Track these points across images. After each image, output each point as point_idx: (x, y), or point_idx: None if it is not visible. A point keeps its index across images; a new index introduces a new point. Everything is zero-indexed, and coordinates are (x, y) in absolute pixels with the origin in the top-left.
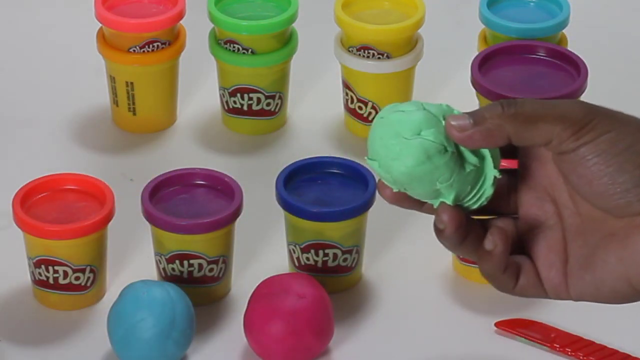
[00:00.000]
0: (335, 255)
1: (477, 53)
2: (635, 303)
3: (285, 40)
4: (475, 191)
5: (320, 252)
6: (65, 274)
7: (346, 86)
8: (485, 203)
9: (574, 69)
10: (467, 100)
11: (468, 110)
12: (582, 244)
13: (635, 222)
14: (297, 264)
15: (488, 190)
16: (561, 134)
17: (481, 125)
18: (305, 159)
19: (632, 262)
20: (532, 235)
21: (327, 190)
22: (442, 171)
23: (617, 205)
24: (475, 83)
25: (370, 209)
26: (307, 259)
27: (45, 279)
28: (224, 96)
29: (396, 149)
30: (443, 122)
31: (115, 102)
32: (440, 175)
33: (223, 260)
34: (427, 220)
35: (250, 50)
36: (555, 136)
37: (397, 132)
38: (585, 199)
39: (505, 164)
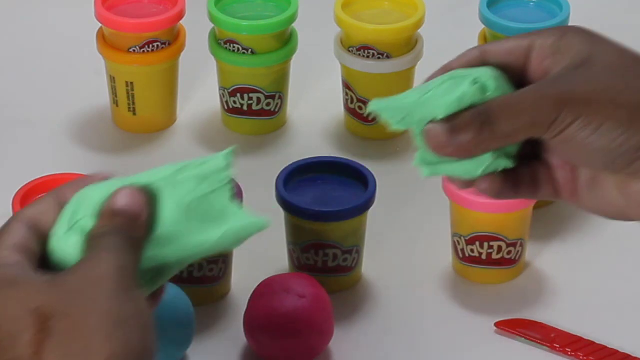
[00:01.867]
0: (335, 255)
1: None
2: (635, 304)
3: (285, 40)
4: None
5: (320, 252)
6: None
7: (346, 86)
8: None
9: None
10: None
11: None
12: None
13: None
14: (297, 264)
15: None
16: (539, 131)
17: (459, 146)
18: (305, 159)
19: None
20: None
21: (327, 190)
22: None
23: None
24: None
25: (370, 209)
26: (307, 259)
27: None
28: (224, 96)
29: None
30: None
31: (115, 102)
32: None
33: (223, 260)
34: (427, 220)
35: (250, 50)
36: (535, 134)
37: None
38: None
39: None
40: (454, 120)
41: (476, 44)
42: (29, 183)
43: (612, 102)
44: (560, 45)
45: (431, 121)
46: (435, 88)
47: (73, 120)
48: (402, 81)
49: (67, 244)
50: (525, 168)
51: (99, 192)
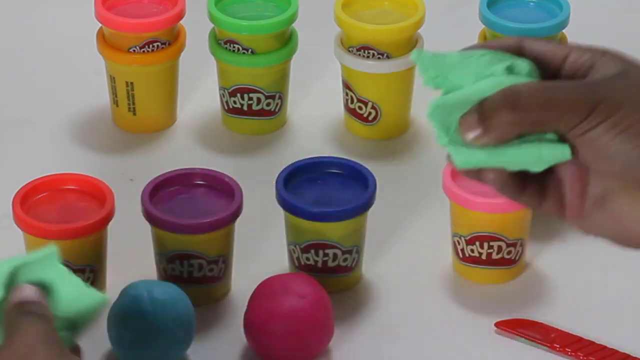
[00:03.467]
0: (335, 255)
1: None
2: (635, 304)
3: (285, 40)
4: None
5: (320, 252)
6: None
7: (346, 86)
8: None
9: None
10: None
11: None
12: (599, 184)
13: None
14: (297, 264)
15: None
16: (567, 125)
17: (491, 133)
18: (305, 159)
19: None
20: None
21: (327, 190)
22: None
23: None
24: None
25: (370, 209)
26: (307, 259)
27: None
28: (224, 96)
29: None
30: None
31: (115, 102)
32: None
33: (223, 260)
34: (427, 220)
35: (250, 50)
36: (561, 127)
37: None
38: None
39: None
40: (484, 103)
41: None
42: (29, 183)
43: None
44: (596, 61)
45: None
46: (476, 57)
47: (73, 120)
48: (402, 81)
49: None
50: (535, 175)
51: None
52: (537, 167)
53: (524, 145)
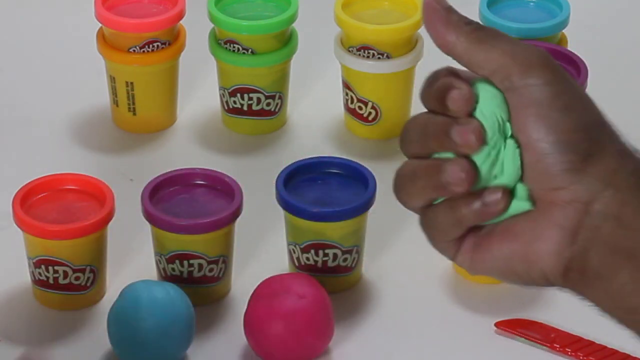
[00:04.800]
0: (335, 255)
1: None
2: None
3: (285, 40)
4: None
5: (320, 252)
6: (65, 274)
7: (346, 86)
8: None
9: (574, 69)
10: None
11: None
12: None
13: (549, 198)
14: (297, 264)
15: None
16: (508, 69)
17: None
18: (305, 159)
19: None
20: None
21: (327, 190)
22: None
23: (548, 167)
24: None
25: (370, 209)
26: (307, 259)
27: (45, 279)
28: (224, 96)
29: None
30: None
31: (115, 102)
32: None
33: (223, 260)
34: None
35: (250, 50)
36: (500, 68)
37: None
38: (529, 142)
39: None
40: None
41: None
42: (29, 183)
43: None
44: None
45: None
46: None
47: (73, 120)
48: (402, 81)
49: None
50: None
51: None
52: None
53: None
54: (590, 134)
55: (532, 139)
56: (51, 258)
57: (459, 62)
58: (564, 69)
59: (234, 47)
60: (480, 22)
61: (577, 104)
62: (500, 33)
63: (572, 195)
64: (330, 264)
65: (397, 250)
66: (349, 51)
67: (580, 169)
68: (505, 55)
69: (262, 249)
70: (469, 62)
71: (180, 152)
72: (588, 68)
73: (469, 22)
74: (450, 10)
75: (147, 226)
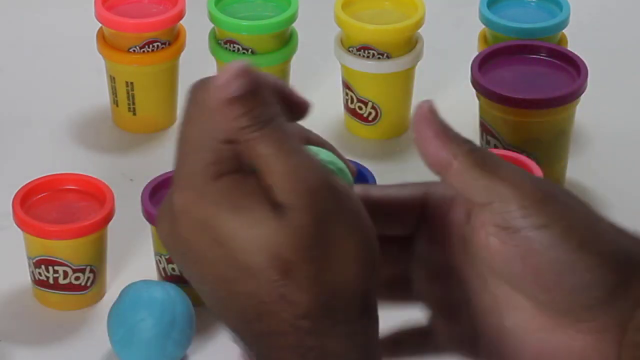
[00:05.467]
0: None
1: (477, 53)
2: None
3: (285, 40)
4: None
5: None
6: (65, 274)
7: (346, 86)
8: None
9: (574, 69)
10: (467, 100)
11: (468, 113)
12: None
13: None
14: None
15: None
16: (508, 202)
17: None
18: None
19: None
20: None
21: None
22: None
23: (563, 305)
24: (475, 83)
25: None
26: None
27: (45, 279)
28: None
29: None
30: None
31: (115, 102)
32: None
33: None
34: None
35: (250, 50)
36: (499, 199)
37: None
38: (521, 290)
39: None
40: None
41: (476, 44)
42: (29, 183)
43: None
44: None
45: None
46: None
47: (73, 120)
48: (402, 81)
49: None
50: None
51: None
52: None
53: None
54: (617, 265)
55: (542, 300)
56: (51, 258)
57: (451, 184)
58: (579, 200)
59: (234, 47)
60: (481, 22)
61: (594, 236)
62: (502, 159)
63: (602, 325)
64: None
65: None
66: (349, 51)
67: (608, 301)
68: (509, 186)
69: None
70: (465, 186)
71: None
72: (588, 68)
73: (467, 141)
74: (446, 124)
75: (147, 226)
